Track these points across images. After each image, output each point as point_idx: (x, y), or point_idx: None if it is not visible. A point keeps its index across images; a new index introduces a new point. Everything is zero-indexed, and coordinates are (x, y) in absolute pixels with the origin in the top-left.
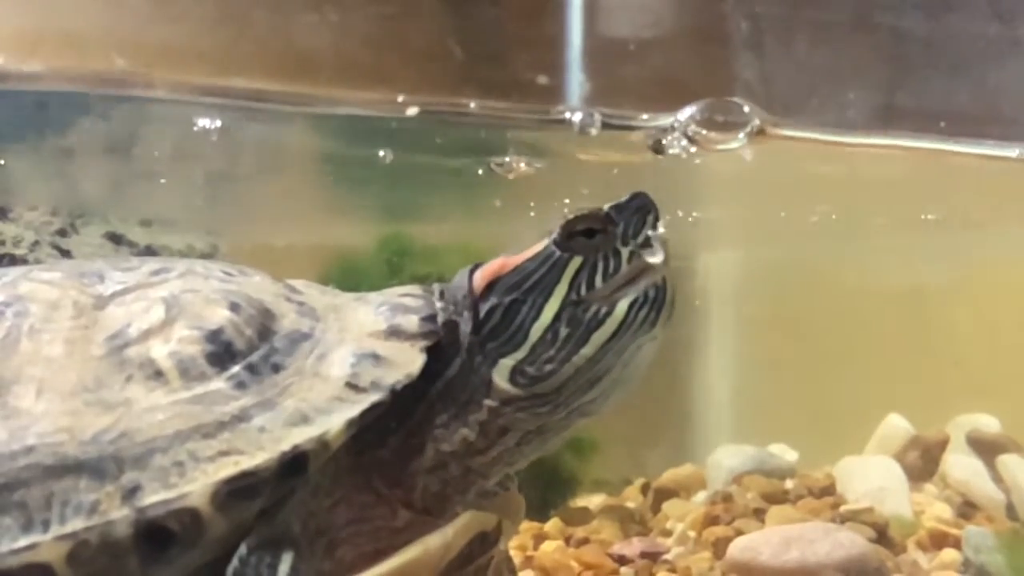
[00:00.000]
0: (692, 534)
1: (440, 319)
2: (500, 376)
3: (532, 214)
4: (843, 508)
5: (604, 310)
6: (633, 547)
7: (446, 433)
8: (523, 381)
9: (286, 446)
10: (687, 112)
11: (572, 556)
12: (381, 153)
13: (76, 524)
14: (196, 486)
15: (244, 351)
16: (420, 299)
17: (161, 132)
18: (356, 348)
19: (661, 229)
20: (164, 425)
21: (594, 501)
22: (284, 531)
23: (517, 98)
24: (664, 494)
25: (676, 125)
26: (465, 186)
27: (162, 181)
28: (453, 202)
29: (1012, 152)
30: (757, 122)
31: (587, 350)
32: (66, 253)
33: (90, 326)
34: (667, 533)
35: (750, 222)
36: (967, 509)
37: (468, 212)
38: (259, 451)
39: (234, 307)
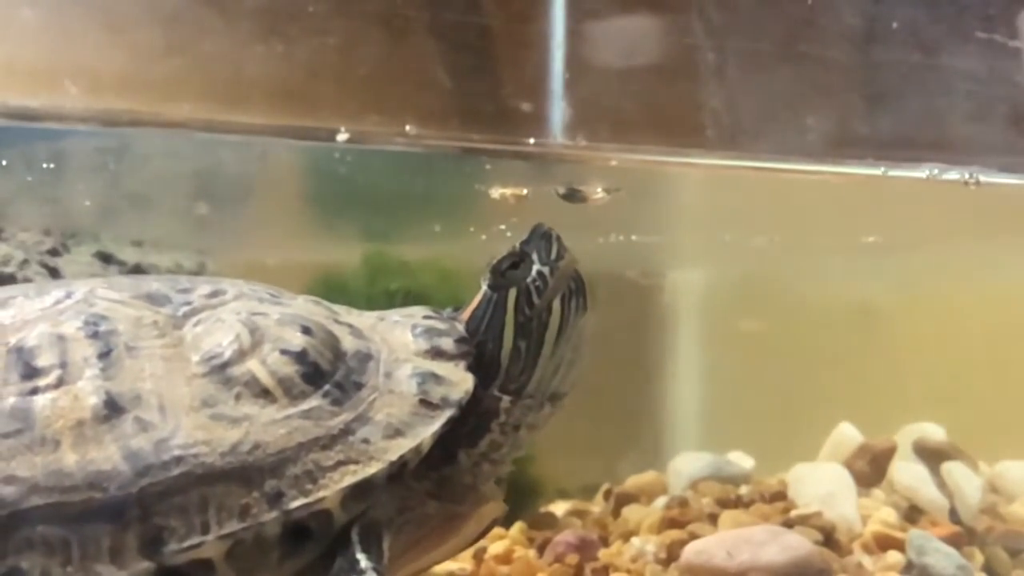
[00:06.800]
0: (652, 537)
1: (469, 346)
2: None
3: (508, 234)
4: (792, 513)
5: (545, 315)
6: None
7: (474, 439)
8: (513, 390)
9: (393, 456)
10: None
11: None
12: (365, 176)
13: (233, 525)
14: (329, 492)
15: (328, 371)
16: (444, 322)
17: (147, 157)
18: (414, 368)
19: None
20: (288, 438)
21: (563, 507)
22: (378, 518)
23: (501, 125)
24: (626, 499)
25: None
26: (447, 209)
27: (151, 203)
28: (435, 224)
29: (921, 174)
30: None
31: (546, 349)
32: (55, 271)
33: (177, 344)
34: (626, 536)
35: (711, 244)
36: (912, 513)
37: (447, 233)
38: (372, 460)
39: (307, 331)
